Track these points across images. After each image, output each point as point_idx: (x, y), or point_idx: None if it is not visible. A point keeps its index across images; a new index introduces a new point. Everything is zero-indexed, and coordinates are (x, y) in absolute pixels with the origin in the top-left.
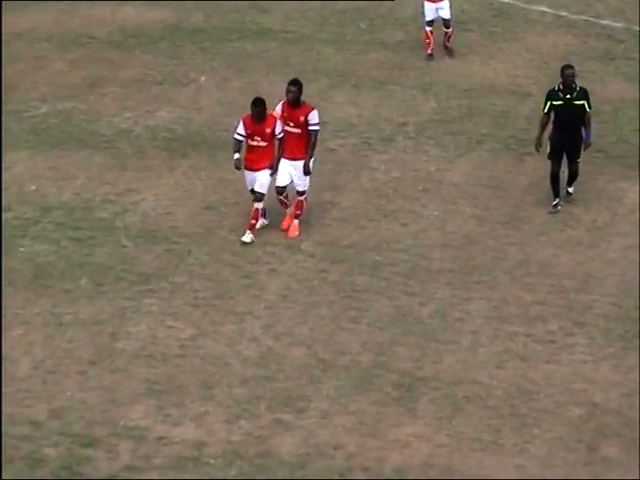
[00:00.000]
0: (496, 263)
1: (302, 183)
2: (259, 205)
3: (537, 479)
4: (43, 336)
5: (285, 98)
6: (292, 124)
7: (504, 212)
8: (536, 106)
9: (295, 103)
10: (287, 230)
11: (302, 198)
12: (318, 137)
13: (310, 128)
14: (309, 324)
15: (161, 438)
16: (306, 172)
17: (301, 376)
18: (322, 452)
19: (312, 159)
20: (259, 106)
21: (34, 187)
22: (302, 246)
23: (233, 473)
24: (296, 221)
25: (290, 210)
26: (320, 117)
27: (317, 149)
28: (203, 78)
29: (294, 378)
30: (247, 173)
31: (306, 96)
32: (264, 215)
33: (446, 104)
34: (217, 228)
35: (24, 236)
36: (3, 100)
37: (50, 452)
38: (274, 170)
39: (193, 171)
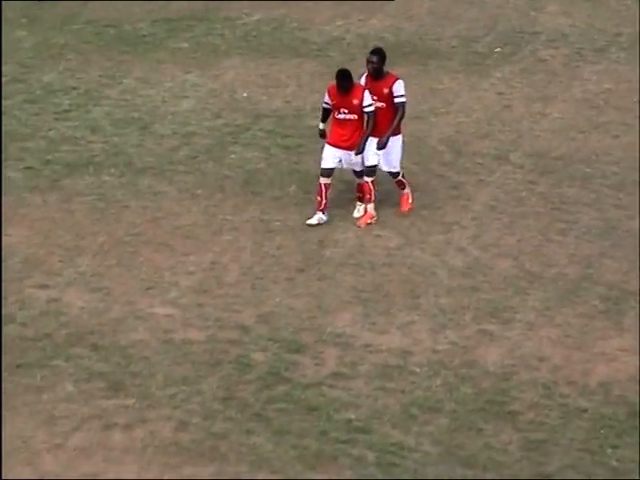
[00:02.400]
0: None
1: (391, 164)
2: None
3: None
4: (252, 242)
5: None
6: (376, 98)
7: None
8: None
9: (377, 74)
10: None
11: (400, 178)
12: (403, 111)
13: (396, 101)
14: (516, 235)
15: (367, 346)
16: (380, 147)
17: (507, 287)
18: (527, 364)
19: (389, 137)
20: (342, 79)
21: (245, 94)
22: (511, 157)
23: (438, 382)
24: (406, 190)
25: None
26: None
27: (528, 60)
28: None
29: (500, 289)
30: (331, 149)
31: (516, 6)
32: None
33: None
34: (426, 137)
35: (235, 143)
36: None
37: (258, 357)
38: (361, 149)
39: (404, 80)
